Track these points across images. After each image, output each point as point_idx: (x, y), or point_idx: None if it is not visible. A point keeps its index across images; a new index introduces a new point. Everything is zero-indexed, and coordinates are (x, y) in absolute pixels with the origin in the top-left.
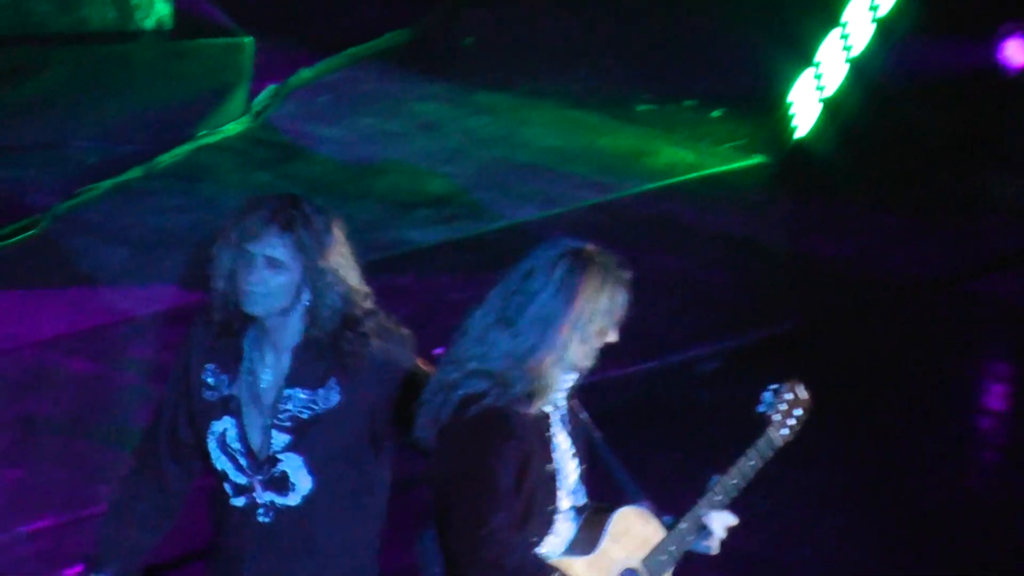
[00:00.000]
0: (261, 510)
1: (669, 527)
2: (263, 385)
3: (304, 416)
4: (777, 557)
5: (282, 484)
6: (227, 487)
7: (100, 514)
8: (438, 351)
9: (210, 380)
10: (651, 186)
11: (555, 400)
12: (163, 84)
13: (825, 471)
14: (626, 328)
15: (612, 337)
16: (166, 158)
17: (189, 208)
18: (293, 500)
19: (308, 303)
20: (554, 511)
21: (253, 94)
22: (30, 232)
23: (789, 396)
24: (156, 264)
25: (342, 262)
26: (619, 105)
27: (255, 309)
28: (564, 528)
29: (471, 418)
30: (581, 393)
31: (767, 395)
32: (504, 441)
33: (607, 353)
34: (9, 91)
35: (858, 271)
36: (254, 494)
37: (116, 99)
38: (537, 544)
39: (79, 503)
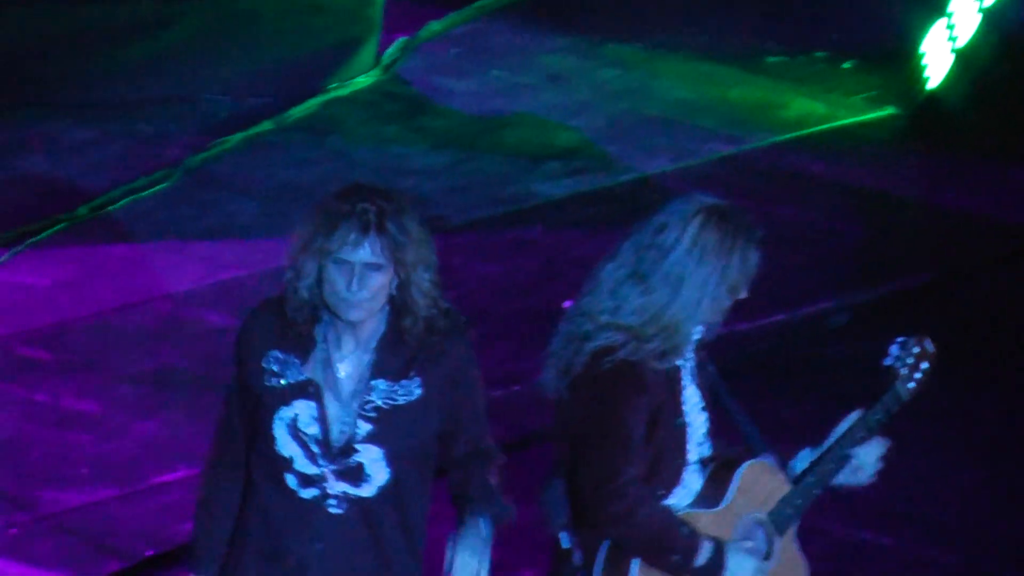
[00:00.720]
0: (333, 501)
1: (795, 481)
2: (340, 375)
3: (386, 407)
4: (906, 510)
5: (357, 475)
6: (290, 477)
7: (194, 514)
8: (567, 304)
9: (274, 367)
10: (781, 138)
11: (685, 354)
12: (293, 37)
13: (955, 425)
14: (755, 281)
15: (743, 294)
16: (296, 111)
17: (319, 161)
18: (367, 491)
19: (395, 294)
20: (683, 464)
21: (383, 47)
22: (163, 185)
23: (916, 349)
24: (286, 217)
25: (424, 251)
26: (750, 57)
27: (356, 315)
28: (690, 481)
29: (604, 371)
30: (709, 346)
31: (894, 348)
32: (637, 394)
33: (736, 307)
34: (141, 45)
35: (989, 224)
36: (325, 484)
37: (247, 52)
38: (664, 497)
39: None
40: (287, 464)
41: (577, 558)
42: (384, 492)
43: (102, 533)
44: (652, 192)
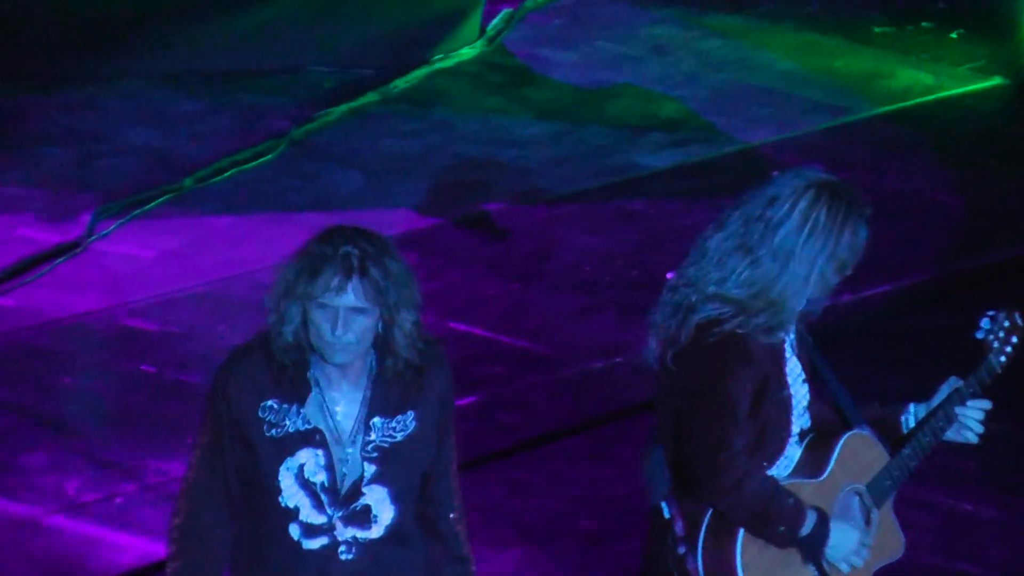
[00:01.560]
0: (343, 547)
1: (893, 453)
2: (338, 418)
3: (387, 445)
4: (1010, 482)
5: (364, 517)
6: (295, 528)
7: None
8: (669, 275)
9: (271, 417)
10: (887, 109)
11: (790, 328)
12: (398, 9)
13: None
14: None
15: (850, 271)
16: (401, 82)
17: (423, 132)
18: (376, 533)
19: (380, 332)
20: (787, 436)
21: (487, 18)
22: (267, 156)
23: (1007, 323)
24: (389, 188)
25: (407, 292)
26: (855, 27)
27: (342, 358)
28: (791, 452)
29: (711, 343)
30: (809, 318)
31: (984, 321)
32: (743, 366)
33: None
34: (248, 16)
35: None
36: (335, 532)
37: (352, 24)
38: (767, 468)
39: None
40: (292, 515)
41: (679, 528)
42: (391, 531)
43: None
44: (757, 163)
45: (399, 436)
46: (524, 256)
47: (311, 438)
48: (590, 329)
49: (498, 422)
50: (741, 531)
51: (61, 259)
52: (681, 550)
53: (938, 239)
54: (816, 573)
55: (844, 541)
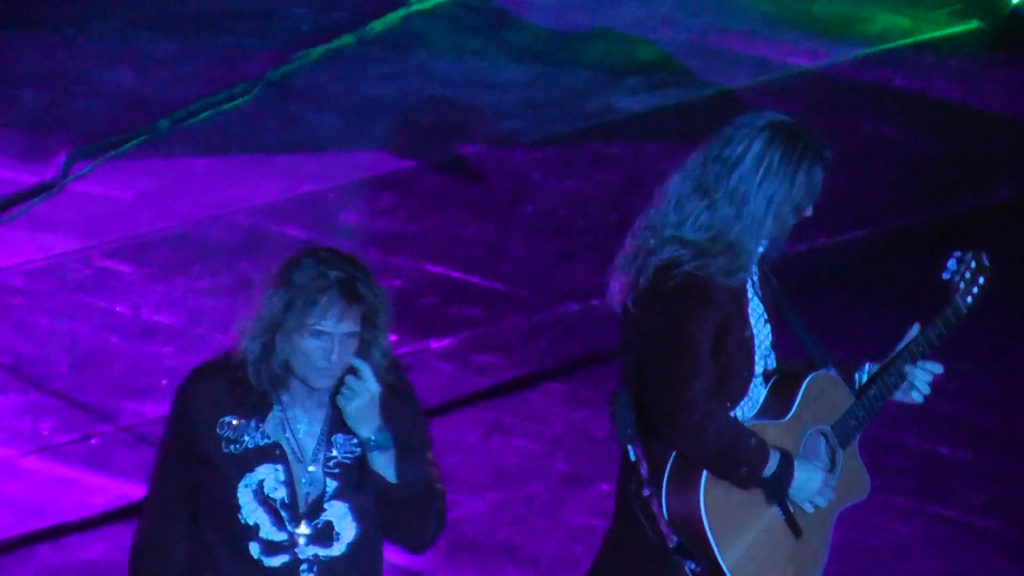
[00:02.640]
0: (304, 566)
1: (858, 395)
2: (300, 435)
3: (348, 462)
4: (985, 425)
5: (327, 535)
6: (255, 546)
7: None
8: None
9: (229, 434)
10: (864, 52)
11: (750, 269)
12: None
13: None
14: (838, 196)
15: (808, 213)
16: (378, 25)
17: (400, 75)
18: (337, 550)
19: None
20: (750, 376)
21: None
22: (244, 98)
23: (973, 264)
24: (366, 131)
25: (388, 312)
26: None
27: (329, 383)
28: (755, 393)
29: (671, 285)
30: (775, 262)
31: (951, 263)
32: (703, 307)
33: (817, 221)
34: None
35: None
36: (296, 549)
37: None
38: (731, 409)
39: None
40: (252, 532)
41: (644, 470)
42: (353, 548)
43: None
44: (734, 106)
45: (359, 451)
46: (501, 199)
47: (271, 453)
48: (567, 272)
49: (475, 364)
50: (704, 473)
51: (37, 199)
52: (646, 492)
53: (916, 183)
54: (781, 514)
55: (808, 482)
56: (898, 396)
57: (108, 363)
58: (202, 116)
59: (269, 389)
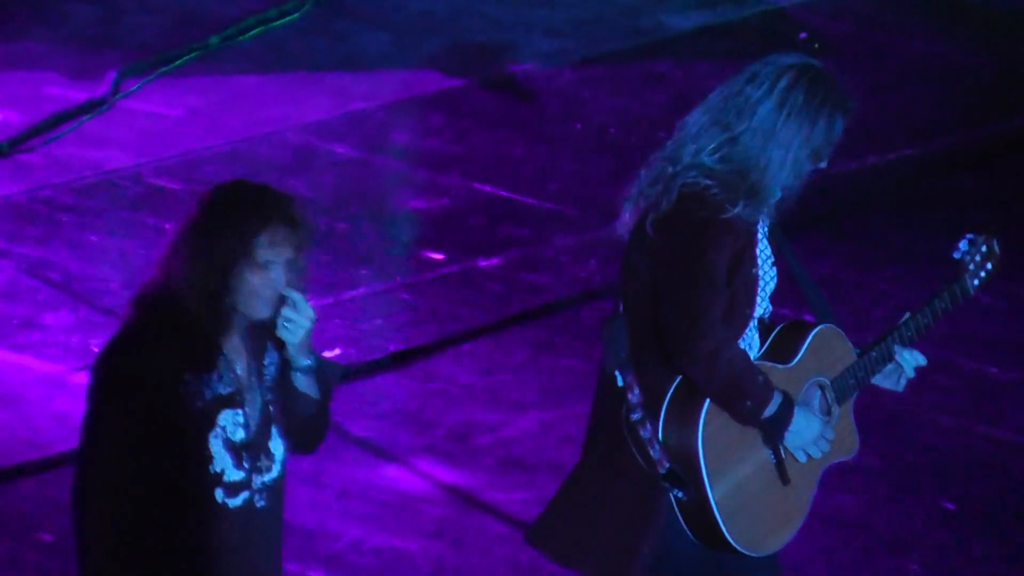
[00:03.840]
0: (258, 496)
1: (861, 354)
2: (239, 371)
3: (272, 384)
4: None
5: (268, 459)
6: (219, 492)
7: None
8: None
9: (191, 389)
10: None
11: (768, 208)
12: None
13: None
14: (889, 114)
15: (824, 163)
16: None
17: None
18: (276, 471)
19: None
20: (750, 315)
21: None
22: (294, 16)
23: (984, 248)
24: (417, 49)
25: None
26: None
27: (266, 312)
28: (750, 335)
29: (693, 209)
30: (830, 179)
31: (963, 243)
32: (722, 234)
33: (869, 139)
34: None
35: None
36: (251, 483)
37: None
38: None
39: (342, 285)
40: (217, 480)
41: (634, 396)
42: (283, 465)
43: None
44: (784, 24)
45: (273, 370)
46: (550, 118)
47: (230, 399)
48: (616, 191)
49: (524, 283)
50: (706, 403)
51: (87, 117)
52: (635, 416)
53: (967, 101)
54: (772, 457)
55: (806, 429)
56: (882, 382)
57: None
58: (252, 33)
59: (217, 333)
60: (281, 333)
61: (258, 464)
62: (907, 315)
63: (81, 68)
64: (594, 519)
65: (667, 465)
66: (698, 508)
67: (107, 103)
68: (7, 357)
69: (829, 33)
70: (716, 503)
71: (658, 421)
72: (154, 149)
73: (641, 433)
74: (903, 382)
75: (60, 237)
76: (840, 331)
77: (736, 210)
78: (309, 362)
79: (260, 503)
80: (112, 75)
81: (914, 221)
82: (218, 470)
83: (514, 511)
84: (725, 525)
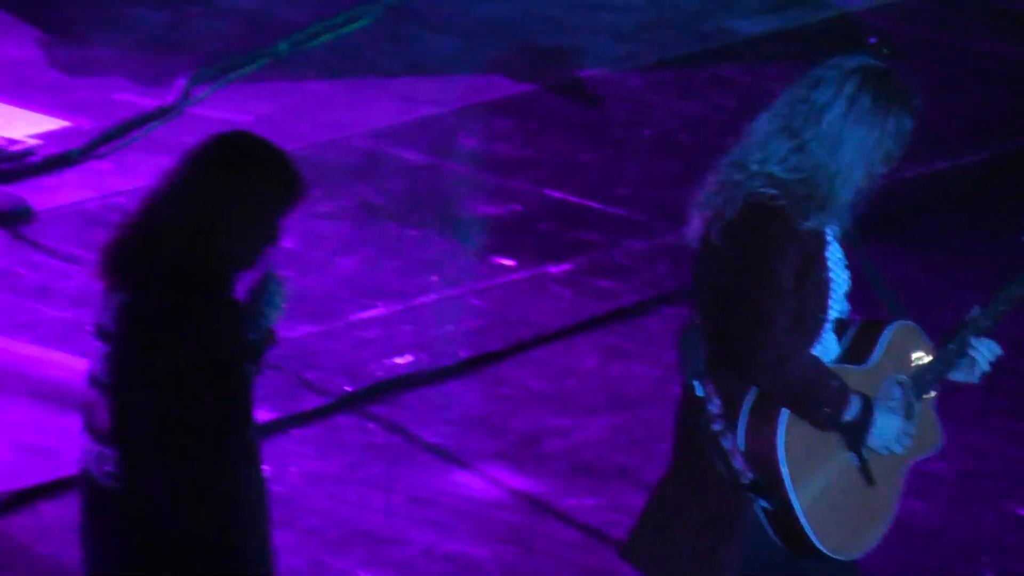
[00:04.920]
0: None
1: (939, 347)
2: None
3: None
4: None
5: None
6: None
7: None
8: None
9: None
10: None
11: (842, 216)
12: None
13: None
14: (956, 118)
15: (892, 165)
16: None
17: None
18: None
19: None
20: (824, 320)
21: None
22: (363, 21)
23: None
24: (484, 54)
25: None
26: None
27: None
28: (827, 339)
29: (758, 217)
30: (897, 184)
31: None
32: (788, 241)
33: (936, 143)
34: None
35: None
36: None
37: None
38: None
39: (411, 292)
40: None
41: (714, 406)
42: None
43: (301, 368)
44: (853, 28)
45: None
46: (619, 122)
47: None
48: (686, 195)
49: (593, 288)
50: (785, 411)
51: (157, 123)
52: (717, 427)
53: None
54: (856, 459)
55: (887, 428)
56: (956, 375)
57: None
58: (322, 39)
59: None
60: (265, 310)
61: None
62: (977, 308)
63: (151, 74)
64: (681, 531)
65: (750, 475)
66: (785, 516)
67: (177, 109)
68: (78, 364)
69: (898, 36)
70: (803, 511)
71: (738, 431)
72: None
73: (723, 444)
74: (978, 373)
75: None
76: (916, 327)
77: (808, 224)
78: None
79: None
80: (182, 81)
81: (984, 224)
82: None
83: (584, 517)
84: (813, 531)
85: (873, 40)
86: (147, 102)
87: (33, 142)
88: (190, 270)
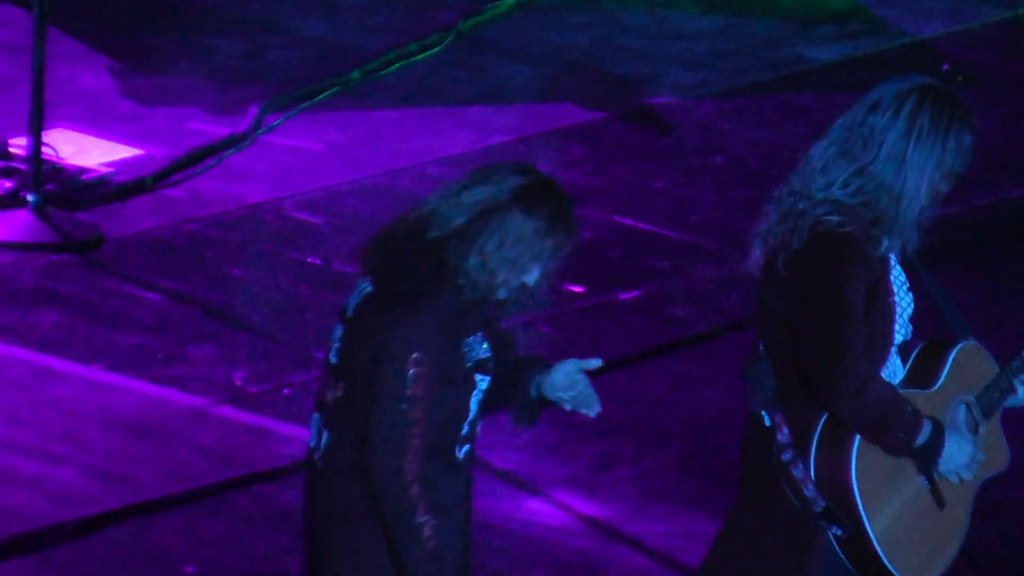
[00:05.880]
0: (468, 446)
1: (1003, 366)
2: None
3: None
4: None
5: None
6: (457, 447)
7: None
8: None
9: (465, 350)
10: None
11: (911, 238)
12: None
13: None
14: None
15: (954, 182)
16: None
17: (590, 25)
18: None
19: None
20: (890, 344)
21: None
22: (435, 49)
23: None
24: (556, 82)
25: None
26: None
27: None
28: (893, 363)
29: (827, 245)
30: (965, 215)
31: None
32: (857, 267)
33: (1012, 170)
34: None
35: None
36: (473, 437)
37: None
38: None
39: None
40: (466, 438)
41: (783, 435)
42: None
43: None
44: (926, 55)
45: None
46: (690, 150)
47: (486, 365)
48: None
49: (664, 315)
50: (857, 438)
51: (230, 151)
52: (786, 456)
53: None
54: (927, 484)
55: (958, 453)
56: (1013, 402)
57: (299, 314)
58: (393, 68)
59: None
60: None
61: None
62: None
63: (223, 103)
64: (754, 562)
65: (823, 503)
66: (858, 544)
67: (249, 138)
68: (151, 391)
69: (970, 64)
70: (876, 537)
71: (809, 459)
72: (295, 183)
73: (793, 473)
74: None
75: (203, 271)
76: (980, 346)
77: (881, 248)
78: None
79: (470, 452)
80: (254, 110)
81: None
82: (466, 430)
83: (654, 544)
84: (888, 558)
85: (946, 67)
86: (220, 130)
87: (107, 170)
88: (428, 279)
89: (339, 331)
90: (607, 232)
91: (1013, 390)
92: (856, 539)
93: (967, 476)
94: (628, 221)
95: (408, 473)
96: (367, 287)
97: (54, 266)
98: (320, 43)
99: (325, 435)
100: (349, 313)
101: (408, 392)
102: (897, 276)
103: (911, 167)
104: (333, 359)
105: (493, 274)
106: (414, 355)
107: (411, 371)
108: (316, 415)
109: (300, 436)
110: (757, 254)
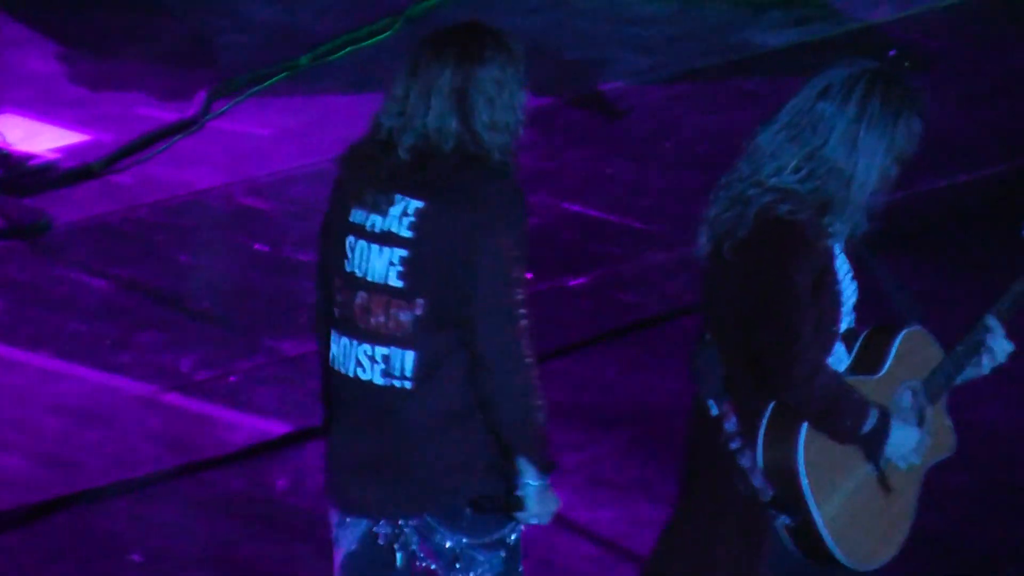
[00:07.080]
0: None
1: (948, 351)
2: None
3: None
4: None
5: None
6: None
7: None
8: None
9: None
10: None
11: (861, 223)
12: None
13: None
14: (983, 129)
15: (905, 165)
16: None
17: (542, 9)
18: None
19: None
20: (836, 332)
21: None
22: (385, 34)
23: None
24: None
25: None
26: None
27: None
28: (838, 351)
29: (775, 232)
30: (923, 196)
31: None
32: (806, 256)
33: (960, 155)
34: None
35: None
36: None
37: None
38: None
39: None
40: None
41: (731, 424)
42: None
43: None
44: (876, 40)
45: None
46: (641, 136)
47: None
48: (704, 209)
49: (613, 301)
50: (804, 426)
51: (178, 136)
52: (734, 445)
53: None
54: (874, 471)
55: (905, 439)
56: (967, 375)
57: (248, 300)
58: (343, 52)
59: None
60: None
61: None
62: (990, 316)
63: (172, 88)
64: (705, 551)
65: (770, 492)
66: (807, 531)
67: (198, 123)
68: (99, 377)
69: (921, 49)
70: (824, 524)
71: (756, 448)
72: (245, 169)
73: (741, 462)
74: (988, 365)
75: (152, 257)
76: (925, 332)
77: (829, 231)
78: None
79: None
80: (203, 95)
81: (1010, 237)
82: None
83: (602, 531)
84: (836, 545)
85: (893, 52)
86: (168, 115)
87: (54, 155)
88: (480, 175)
89: (384, 256)
90: (557, 217)
91: (962, 371)
92: (804, 527)
93: (915, 461)
94: (577, 207)
95: (527, 355)
96: (414, 204)
97: (2, 252)
98: (270, 27)
99: (411, 356)
100: (406, 234)
101: (514, 275)
102: (841, 265)
103: (862, 152)
104: (397, 283)
105: (506, 128)
106: (507, 241)
107: (514, 254)
108: (370, 347)
109: (247, 423)
110: (704, 240)
